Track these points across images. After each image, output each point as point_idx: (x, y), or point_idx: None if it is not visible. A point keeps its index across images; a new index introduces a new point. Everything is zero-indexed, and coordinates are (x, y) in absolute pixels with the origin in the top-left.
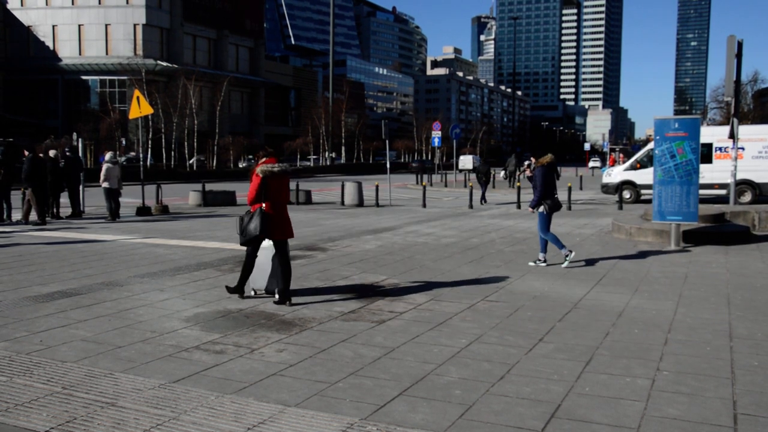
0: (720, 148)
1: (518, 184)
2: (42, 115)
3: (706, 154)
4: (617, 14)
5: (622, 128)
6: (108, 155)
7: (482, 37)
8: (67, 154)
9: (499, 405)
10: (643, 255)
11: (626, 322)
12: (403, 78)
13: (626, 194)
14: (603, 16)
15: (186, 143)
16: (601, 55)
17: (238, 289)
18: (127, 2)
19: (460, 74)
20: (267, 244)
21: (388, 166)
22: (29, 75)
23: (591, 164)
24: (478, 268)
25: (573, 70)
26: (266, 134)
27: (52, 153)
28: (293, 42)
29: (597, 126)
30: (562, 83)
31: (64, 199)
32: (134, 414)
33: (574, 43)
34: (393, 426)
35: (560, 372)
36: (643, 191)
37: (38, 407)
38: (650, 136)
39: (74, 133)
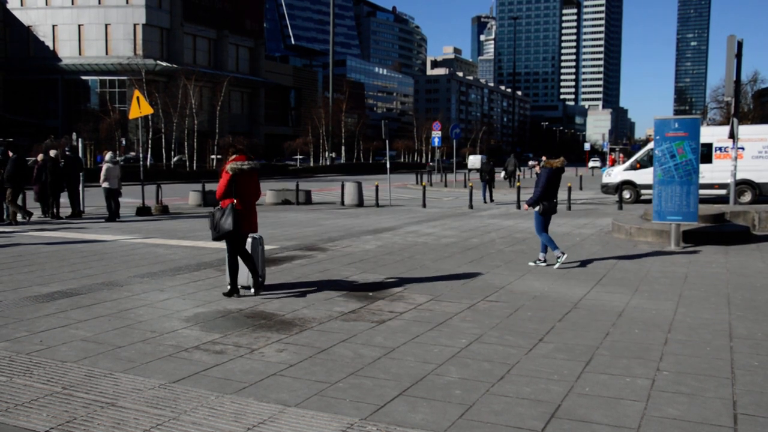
0: (720, 148)
1: (518, 183)
2: (42, 115)
3: (706, 154)
4: (617, 14)
5: (622, 128)
6: (108, 155)
7: (482, 37)
8: (67, 154)
9: (499, 405)
10: (643, 255)
11: (626, 322)
12: (403, 78)
13: (626, 194)
14: (603, 16)
15: (186, 143)
16: (601, 55)
17: (233, 290)
18: (127, 2)
19: (460, 74)
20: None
21: (388, 166)
22: (29, 75)
23: (591, 164)
24: (478, 268)
25: (573, 70)
26: (266, 134)
27: (52, 153)
28: (293, 42)
29: (597, 126)
30: (562, 83)
31: (64, 199)
32: (134, 414)
33: (574, 43)
34: (393, 426)
35: (560, 372)
36: (643, 191)
37: (38, 407)
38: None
39: (74, 133)
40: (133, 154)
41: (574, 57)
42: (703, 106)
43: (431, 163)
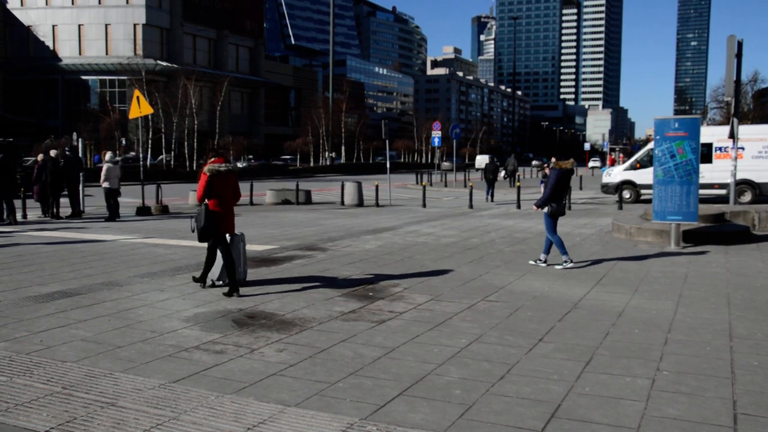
0: (720, 148)
1: (518, 183)
2: (42, 115)
3: (706, 154)
4: (617, 14)
5: (622, 128)
6: (108, 155)
7: (482, 37)
8: (67, 153)
9: (499, 405)
10: (643, 255)
11: (626, 322)
12: (403, 78)
13: (626, 194)
14: (603, 16)
15: (186, 143)
16: (601, 55)
17: (233, 289)
18: (127, 2)
19: (460, 74)
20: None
21: (388, 166)
22: (29, 75)
23: (591, 164)
24: (478, 268)
25: (573, 70)
26: (266, 134)
27: (52, 153)
28: (293, 42)
29: (597, 126)
30: (562, 83)
31: (64, 199)
32: (134, 414)
33: (574, 43)
34: (393, 426)
35: (560, 372)
36: (643, 191)
37: (38, 407)
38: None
39: (74, 133)
40: (133, 154)
41: (574, 57)
42: (703, 106)
43: (445, 163)
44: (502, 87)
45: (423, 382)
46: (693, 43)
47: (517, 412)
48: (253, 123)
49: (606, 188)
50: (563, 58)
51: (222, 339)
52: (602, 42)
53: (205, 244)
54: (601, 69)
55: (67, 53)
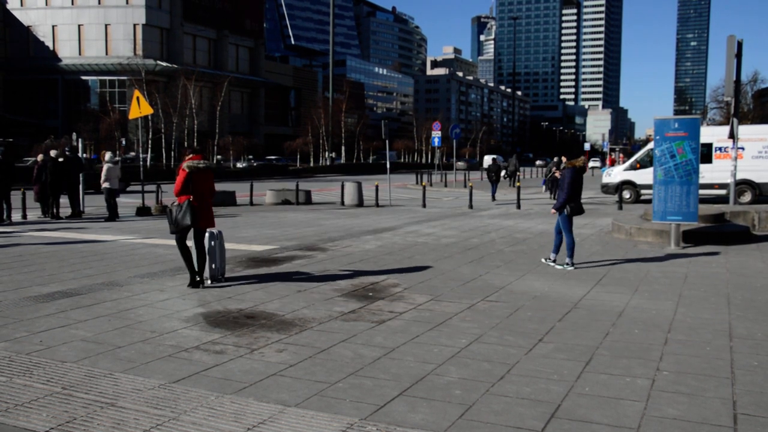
0: (720, 148)
1: (518, 184)
2: (42, 115)
3: (706, 154)
4: (617, 14)
5: (622, 128)
6: (107, 155)
7: (482, 37)
8: (67, 153)
9: (499, 405)
10: (643, 255)
11: (626, 322)
12: (403, 78)
13: (626, 194)
14: (603, 16)
15: (186, 143)
16: (601, 55)
17: (195, 280)
18: (127, 2)
19: (460, 74)
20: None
21: (388, 166)
22: (29, 75)
23: (591, 164)
24: (478, 268)
25: (573, 70)
26: (266, 134)
27: (52, 153)
28: (293, 42)
29: (597, 126)
30: (562, 83)
31: (64, 199)
32: (134, 414)
33: (574, 43)
34: (393, 426)
35: (560, 372)
36: (643, 191)
37: (38, 407)
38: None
39: (74, 133)
40: (132, 154)
41: (574, 57)
42: (703, 106)
43: (460, 163)
44: (502, 87)
45: (423, 382)
46: (693, 43)
47: (517, 412)
48: (253, 123)
49: (606, 188)
50: (563, 58)
51: (222, 339)
52: (602, 42)
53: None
54: (601, 69)
55: (67, 53)
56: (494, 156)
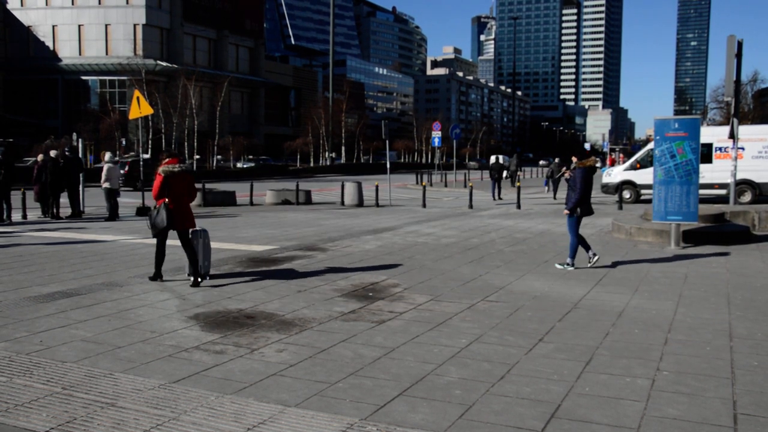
0: (720, 148)
1: (518, 184)
2: (42, 115)
3: (706, 154)
4: (617, 14)
5: (622, 128)
6: (107, 156)
7: (482, 37)
8: (67, 154)
9: (499, 405)
10: (643, 255)
11: (626, 322)
12: (403, 78)
13: (626, 194)
14: (603, 16)
15: (186, 143)
16: (601, 55)
17: (156, 275)
18: (127, 2)
19: (460, 74)
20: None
21: (388, 166)
22: (29, 75)
23: None
24: (478, 268)
25: (573, 70)
26: (266, 134)
27: (52, 153)
28: (293, 42)
29: (597, 126)
30: (562, 83)
31: (64, 199)
32: (134, 414)
33: (574, 43)
34: (393, 426)
35: (560, 372)
36: (643, 191)
37: (38, 407)
38: (650, 136)
39: (74, 133)
40: (132, 154)
41: (574, 57)
42: (703, 106)
43: (472, 162)
44: (502, 87)
45: (423, 382)
46: (693, 43)
47: (517, 412)
48: (253, 123)
49: (606, 188)
50: (563, 58)
51: (222, 339)
52: (602, 42)
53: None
54: (601, 69)
55: (67, 53)
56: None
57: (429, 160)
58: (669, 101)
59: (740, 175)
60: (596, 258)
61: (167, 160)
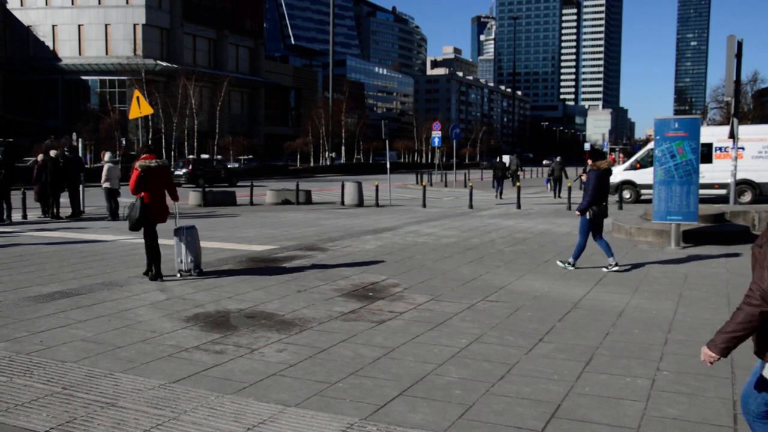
0: (720, 148)
1: (518, 184)
2: (42, 115)
3: (706, 154)
4: (617, 14)
5: (622, 128)
6: (107, 155)
7: (482, 37)
8: (67, 153)
9: (499, 405)
10: (643, 255)
11: (626, 322)
12: (403, 78)
13: (626, 194)
14: (603, 16)
15: (186, 143)
16: (601, 55)
17: (157, 275)
18: (127, 2)
19: (460, 74)
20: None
21: (388, 166)
22: (29, 75)
23: None
24: (478, 268)
25: (573, 70)
26: (266, 134)
27: (52, 153)
28: (293, 42)
29: (597, 126)
30: (562, 83)
31: (64, 199)
32: (134, 414)
33: (574, 43)
34: (393, 426)
35: (560, 372)
36: (643, 191)
37: (38, 407)
38: (650, 136)
39: (74, 133)
40: (132, 154)
41: (574, 57)
42: (703, 106)
43: (485, 162)
44: (502, 87)
45: (423, 382)
46: (693, 43)
47: (517, 412)
48: (253, 123)
49: None
50: (563, 58)
51: (222, 339)
52: (602, 42)
53: (204, 245)
54: (601, 69)
55: (67, 53)
56: (503, 155)
57: (429, 160)
58: (669, 101)
59: (740, 175)
60: (615, 267)
61: (144, 155)
